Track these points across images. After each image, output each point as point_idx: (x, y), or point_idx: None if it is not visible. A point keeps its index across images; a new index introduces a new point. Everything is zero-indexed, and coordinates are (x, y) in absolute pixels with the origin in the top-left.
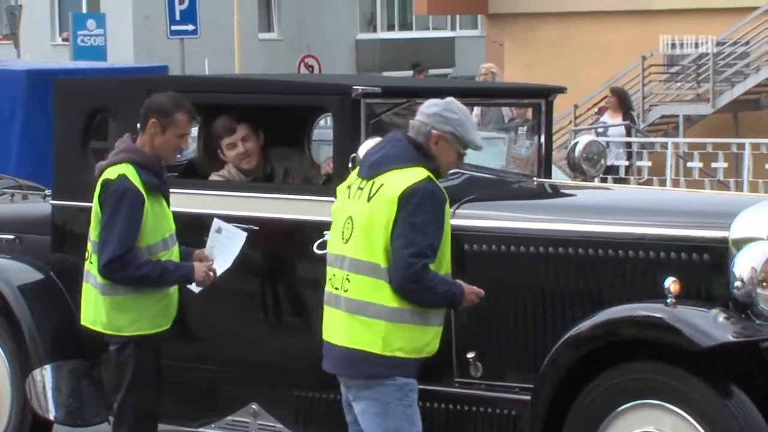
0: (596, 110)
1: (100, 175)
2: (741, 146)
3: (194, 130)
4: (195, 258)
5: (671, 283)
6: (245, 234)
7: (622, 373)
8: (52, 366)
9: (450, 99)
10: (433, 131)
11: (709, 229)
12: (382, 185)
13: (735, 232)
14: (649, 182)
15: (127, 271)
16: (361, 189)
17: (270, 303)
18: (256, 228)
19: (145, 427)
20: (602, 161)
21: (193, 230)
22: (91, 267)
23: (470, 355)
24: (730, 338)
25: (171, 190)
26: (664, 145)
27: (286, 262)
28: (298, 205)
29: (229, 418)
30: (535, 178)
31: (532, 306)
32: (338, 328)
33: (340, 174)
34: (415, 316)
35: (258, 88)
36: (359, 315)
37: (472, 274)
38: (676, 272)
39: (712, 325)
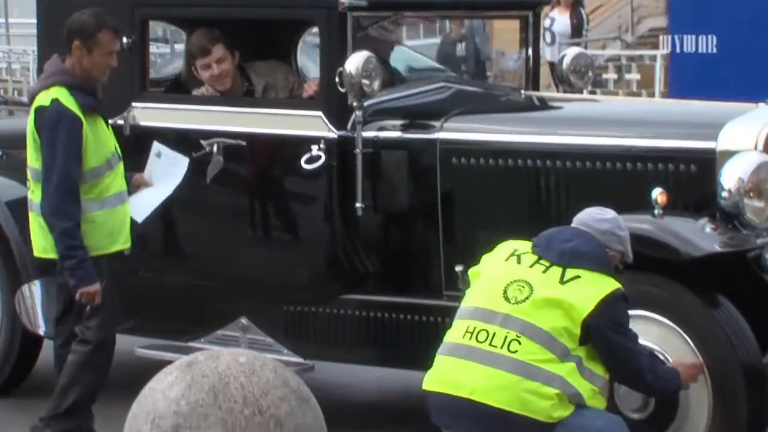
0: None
1: (32, 100)
2: None
3: (179, 47)
4: (133, 182)
5: (658, 195)
6: (187, 160)
7: None
8: (40, 281)
9: (615, 215)
10: (609, 251)
11: (696, 140)
12: (578, 277)
13: (722, 142)
14: (637, 95)
15: (62, 223)
16: (544, 266)
17: (259, 218)
18: (243, 142)
19: (107, 350)
20: (590, 73)
21: (179, 147)
22: (33, 196)
23: (458, 268)
24: (717, 248)
25: (157, 106)
26: (653, 58)
27: (274, 177)
28: (285, 120)
29: (219, 332)
30: (522, 91)
31: (519, 219)
32: (493, 387)
33: (326, 87)
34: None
35: (242, 1)
36: (532, 380)
37: (459, 187)
38: (664, 183)
39: (699, 236)
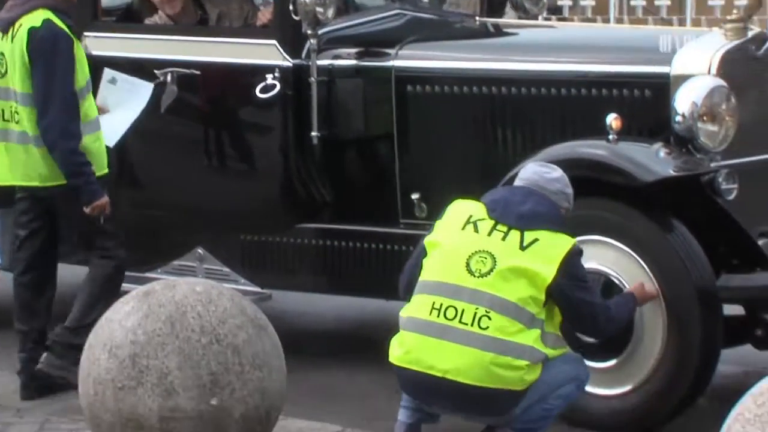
0: None
1: (10, 25)
2: None
3: None
4: None
5: (613, 120)
6: (151, 85)
7: None
8: None
9: (561, 172)
10: (561, 210)
11: (650, 65)
12: (536, 240)
13: (676, 67)
14: (592, 21)
15: (69, 142)
16: (502, 232)
17: (214, 148)
18: (197, 72)
19: (124, 269)
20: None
21: (133, 75)
22: (14, 125)
23: (414, 196)
24: (671, 172)
25: (110, 35)
26: None
27: (228, 106)
28: (239, 49)
29: (176, 262)
30: (477, 18)
31: (475, 146)
32: (466, 365)
33: (280, 15)
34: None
35: None
36: (505, 356)
37: (414, 115)
38: (618, 109)
39: (654, 160)
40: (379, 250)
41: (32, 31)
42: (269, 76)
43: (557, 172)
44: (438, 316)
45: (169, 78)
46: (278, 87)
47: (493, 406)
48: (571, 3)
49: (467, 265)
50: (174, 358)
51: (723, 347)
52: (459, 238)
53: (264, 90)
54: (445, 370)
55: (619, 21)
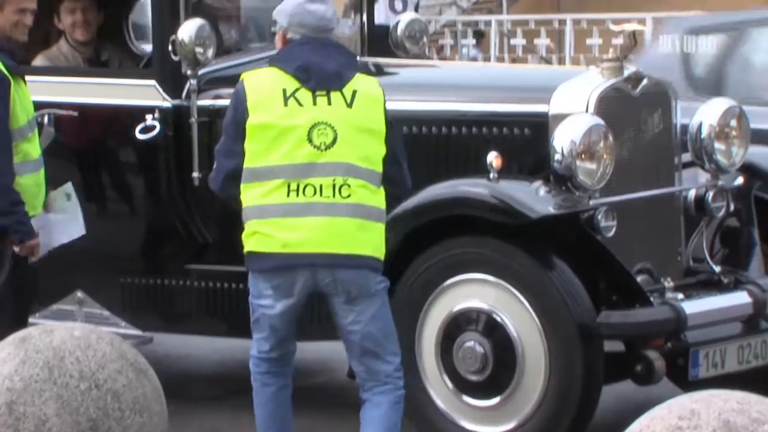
0: None
1: None
2: (563, 22)
3: None
4: None
5: (493, 158)
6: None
7: (445, 248)
8: None
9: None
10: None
11: (529, 103)
12: (355, 91)
13: (554, 105)
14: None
15: (1, 178)
16: (324, 96)
17: (94, 190)
18: (75, 113)
19: (24, 314)
20: (424, 39)
21: None
22: None
23: None
24: (552, 210)
25: None
26: (488, 23)
27: (108, 148)
28: (118, 89)
29: (55, 306)
30: (358, 57)
31: None
32: (338, 235)
33: (159, 55)
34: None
35: None
36: (367, 220)
37: None
38: (499, 147)
39: (534, 198)
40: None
41: None
42: (149, 117)
43: (324, 4)
44: (298, 196)
45: (46, 119)
46: (158, 128)
47: (356, 280)
48: (452, 42)
49: (310, 140)
50: (52, 405)
51: (604, 383)
52: (288, 116)
53: (144, 131)
54: (319, 242)
55: (500, 60)
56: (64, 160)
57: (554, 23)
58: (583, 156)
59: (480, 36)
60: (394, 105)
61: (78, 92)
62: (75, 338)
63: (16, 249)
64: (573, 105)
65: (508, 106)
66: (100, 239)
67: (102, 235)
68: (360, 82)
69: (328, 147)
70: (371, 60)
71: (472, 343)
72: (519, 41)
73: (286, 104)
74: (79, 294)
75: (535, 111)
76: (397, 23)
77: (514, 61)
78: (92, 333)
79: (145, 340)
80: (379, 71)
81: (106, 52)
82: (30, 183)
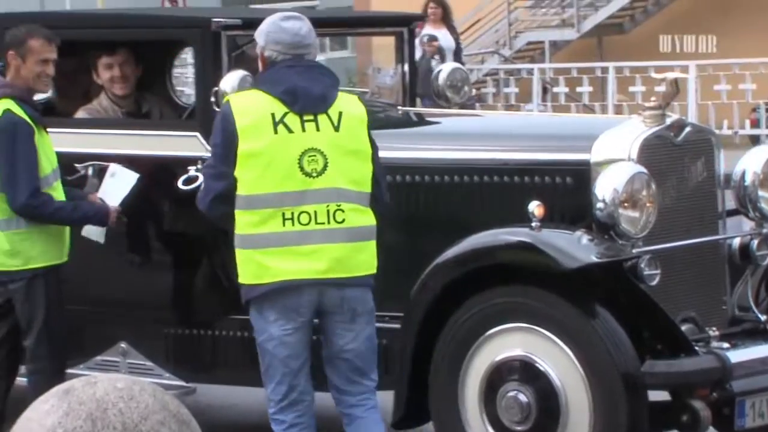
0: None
1: None
2: (605, 70)
3: None
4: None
5: (535, 207)
6: (137, 175)
7: (488, 298)
8: None
9: (301, 18)
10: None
11: (571, 152)
12: (341, 113)
13: (596, 154)
14: (516, 108)
15: (48, 209)
16: (312, 121)
17: (138, 241)
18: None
19: (61, 361)
20: (466, 88)
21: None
22: None
23: None
24: (594, 259)
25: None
26: (531, 71)
27: (151, 199)
28: (161, 141)
29: (98, 358)
30: (399, 107)
31: (397, 234)
32: (338, 261)
33: (202, 107)
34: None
35: (114, 23)
36: (362, 241)
37: None
38: (540, 196)
39: (576, 247)
40: None
41: None
42: (192, 168)
43: (299, 21)
44: (293, 224)
45: (90, 171)
46: (201, 179)
47: (362, 297)
48: (494, 91)
49: (301, 168)
50: None
51: None
52: (278, 144)
53: (187, 182)
54: (320, 270)
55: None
56: None
57: (597, 71)
58: (625, 204)
59: (545, 92)
60: (436, 154)
61: (121, 144)
62: (118, 390)
63: (97, 233)
64: (615, 153)
65: (549, 155)
66: (143, 290)
67: (145, 287)
68: (343, 102)
69: (319, 174)
70: (413, 110)
71: (516, 393)
72: (561, 89)
73: (276, 131)
74: (123, 345)
75: (577, 159)
76: (439, 72)
77: (556, 109)
78: (135, 384)
79: (189, 391)
80: (421, 121)
81: (146, 104)
82: (55, 231)
